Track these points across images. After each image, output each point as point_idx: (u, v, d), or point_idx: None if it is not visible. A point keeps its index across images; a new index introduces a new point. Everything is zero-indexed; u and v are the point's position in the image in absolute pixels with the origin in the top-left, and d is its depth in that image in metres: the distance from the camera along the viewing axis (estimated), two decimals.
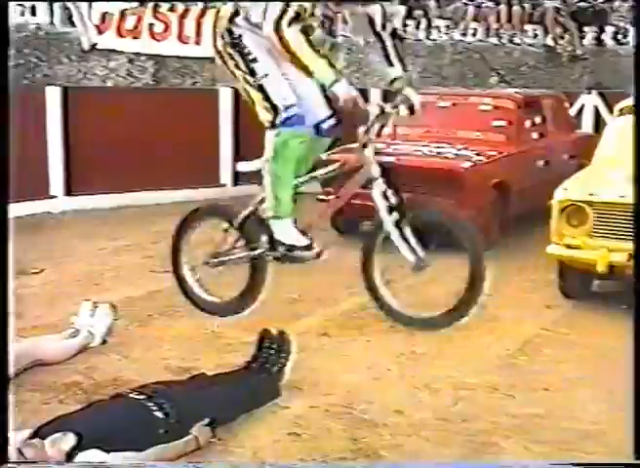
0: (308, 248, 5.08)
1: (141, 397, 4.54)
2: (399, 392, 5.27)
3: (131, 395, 4.59)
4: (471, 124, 9.38)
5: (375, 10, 12.55)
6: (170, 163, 10.15)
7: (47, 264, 8.17)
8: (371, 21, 5.06)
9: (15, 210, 9.52)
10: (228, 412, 4.77)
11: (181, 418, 4.48)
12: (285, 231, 5.04)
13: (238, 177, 10.84)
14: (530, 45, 12.80)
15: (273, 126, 4.91)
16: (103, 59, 11.42)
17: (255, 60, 4.97)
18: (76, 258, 8.42)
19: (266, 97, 4.91)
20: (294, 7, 4.67)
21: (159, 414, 4.44)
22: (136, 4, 11.39)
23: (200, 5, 11.90)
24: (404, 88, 5.08)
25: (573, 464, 4.26)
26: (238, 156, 10.56)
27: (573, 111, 11.38)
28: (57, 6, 11.47)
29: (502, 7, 13.05)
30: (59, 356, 5.65)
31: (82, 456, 4.11)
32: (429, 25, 13.05)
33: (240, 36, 4.92)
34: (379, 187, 4.83)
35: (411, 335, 6.33)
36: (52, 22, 11.51)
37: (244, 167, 5.27)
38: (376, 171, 4.83)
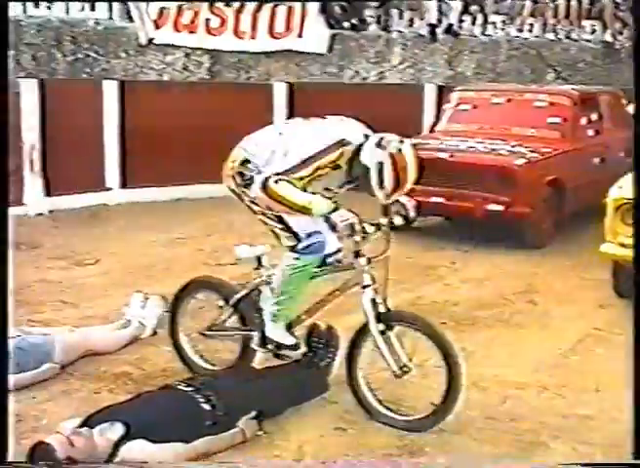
0: (295, 347, 5.12)
1: (189, 389, 4.56)
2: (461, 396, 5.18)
3: (179, 387, 4.61)
4: (526, 120, 9.26)
5: (427, 5, 12.60)
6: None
7: (101, 255, 8.23)
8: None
9: (72, 201, 9.80)
10: (275, 406, 4.77)
11: (228, 411, 4.49)
12: (275, 330, 5.10)
13: None
14: (587, 41, 12.58)
15: (294, 250, 4.92)
16: (160, 54, 11.38)
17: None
18: (130, 250, 8.47)
19: (287, 228, 4.92)
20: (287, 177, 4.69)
21: (206, 406, 4.45)
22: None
23: (256, 1, 11.85)
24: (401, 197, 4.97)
25: (576, 464, 4.20)
26: None
27: (631, 109, 11.19)
28: (116, 1, 11.51)
29: (560, 2, 12.80)
30: (110, 346, 5.71)
31: (129, 446, 4.13)
32: (485, 21, 12.82)
33: (251, 177, 4.89)
34: (368, 295, 4.79)
35: (460, 332, 6.28)
36: (110, 17, 11.49)
37: (244, 252, 5.29)
38: (367, 279, 4.80)
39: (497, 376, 5.46)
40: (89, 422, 4.25)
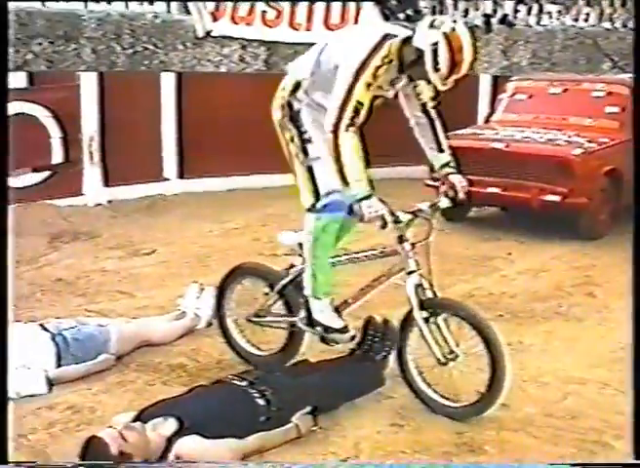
0: (343, 331, 4.91)
1: (244, 383, 4.38)
2: (507, 385, 4.95)
3: (233, 381, 4.44)
4: (583, 110, 8.94)
5: None
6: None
7: (158, 245, 8.10)
8: (423, 105, 4.80)
9: (130, 192, 9.68)
10: (331, 401, 4.58)
11: (283, 406, 4.31)
12: (322, 311, 4.89)
13: None
14: None
15: (312, 210, 4.73)
16: (217, 46, 11.23)
17: (309, 141, 4.72)
18: (186, 240, 8.32)
19: (312, 180, 4.72)
20: (354, 103, 4.45)
21: (261, 402, 4.28)
22: None
23: None
24: (451, 174, 4.80)
25: (572, 464, 3.99)
26: None
27: None
28: None
29: None
30: (166, 337, 5.55)
31: (182, 442, 3.96)
32: (540, 11, 12.51)
33: (299, 111, 4.71)
34: (413, 281, 4.58)
35: (518, 325, 6.06)
36: (168, 11, 11.38)
37: (287, 239, 5.10)
38: (412, 265, 4.59)
39: (556, 371, 5.22)
40: (142, 416, 4.10)
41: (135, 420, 4.09)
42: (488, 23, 12.34)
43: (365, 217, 4.39)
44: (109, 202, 9.42)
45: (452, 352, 4.52)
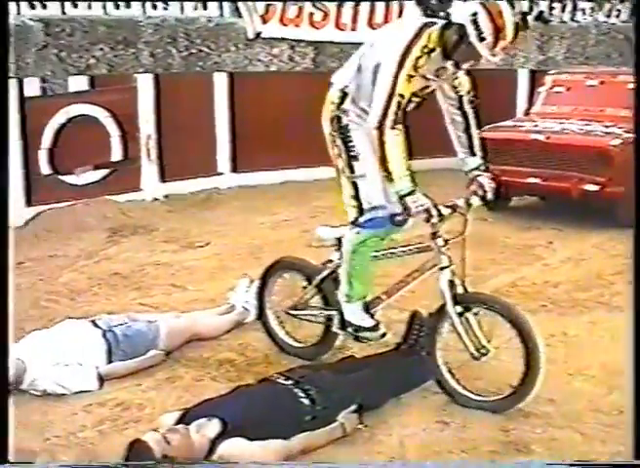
0: (374, 329, 4.60)
1: (288, 382, 4.01)
2: (551, 378, 4.45)
3: (278, 380, 4.07)
4: (620, 101, 8.41)
5: None
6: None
7: (212, 238, 7.75)
8: (460, 98, 4.49)
9: (186, 186, 9.38)
10: (377, 398, 4.20)
11: (328, 405, 3.94)
12: (353, 312, 4.59)
13: None
14: None
15: (355, 224, 4.43)
16: (267, 47, 10.91)
17: (355, 158, 4.39)
18: (238, 232, 7.95)
19: (356, 196, 4.41)
20: (397, 97, 4.10)
21: (305, 401, 3.91)
22: None
23: None
24: (480, 176, 4.52)
25: (572, 464, 3.63)
26: None
27: None
28: None
29: None
30: (214, 331, 5.20)
31: (227, 444, 3.61)
32: (574, 8, 12.22)
33: (347, 126, 4.38)
34: (446, 276, 4.29)
35: (561, 316, 5.63)
36: (221, 14, 11.09)
37: (325, 233, 4.78)
38: (445, 260, 4.29)
39: (601, 364, 4.77)
40: (186, 417, 3.75)
41: (179, 420, 3.75)
42: (524, 20, 11.98)
43: (411, 212, 4.13)
44: (166, 196, 9.12)
45: (483, 346, 4.22)
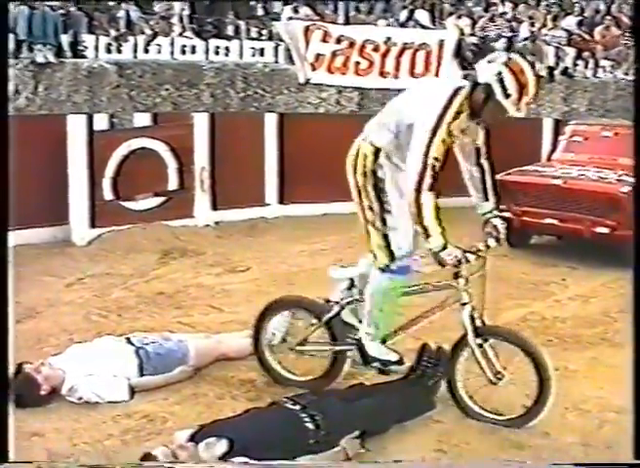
0: (400, 362, 4.47)
1: (296, 407, 3.86)
2: (550, 412, 4.27)
3: (286, 404, 3.91)
4: (631, 152, 8.21)
5: (547, 50, 11.84)
6: None
7: (253, 263, 7.61)
8: (477, 150, 4.34)
9: (235, 215, 9.29)
10: (381, 424, 4.03)
11: (332, 430, 3.77)
12: (377, 349, 4.44)
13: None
14: None
15: (385, 270, 4.27)
16: (316, 90, 10.90)
17: (389, 212, 4.24)
18: (278, 259, 7.80)
19: (387, 246, 4.25)
20: (432, 161, 3.99)
21: (310, 426, 3.75)
22: (344, 45, 10.81)
23: (399, 46, 11.18)
24: (493, 219, 4.43)
25: (574, 465, 3.52)
26: None
27: None
28: (281, 48, 11.08)
29: None
30: (241, 352, 5.03)
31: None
32: (596, 65, 12.41)
33: (383, 181, 4.23)
34: (467, 311, 4.23)
35: (565, 350, 5.39)
36: (276, 61, 11.11)
37: (337, 273, 4.63)
38: (465, 297, 4.23)
39: (597, 399, 4.55)
40: (197, 436, 3.61)
41: (192, 437, 3.62)
42: (551, 74, 12.18)
43: (446, 264, 4.06)
44: (217, 223, 9.03)
45: (499, 372, 4.20)
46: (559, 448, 3.94)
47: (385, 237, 4.23)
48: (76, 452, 3.87)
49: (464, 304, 4.22)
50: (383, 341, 4.41)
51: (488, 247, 4.31)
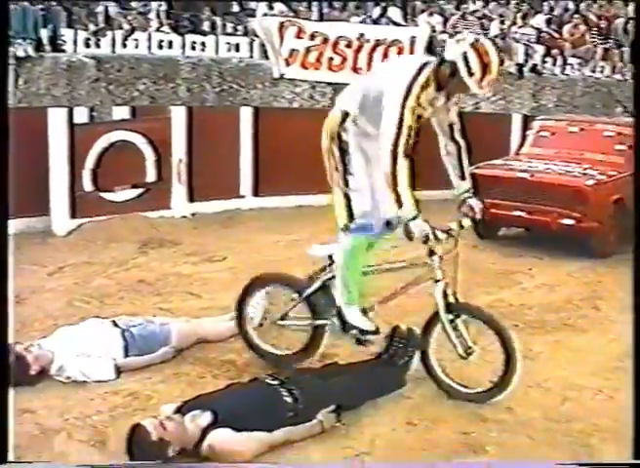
0: (376, 332, 4.72)
1: (275, 382, 4.10)
2: (513, 389, 4.56)
3: (266, 380, 4.16)
4: (596, 147, 8.54)
5: (516, 48, 12.11)
6: None
7: (229, 253, 7.80)
8: (450, 126, 4.60)
9: (211, 207, 9.49)
10: (354, 400, 4.27)
11: (309, 404, 4.02)
12: (355, 316, 4.68)
13: None
14: None
15: (347, 229, 4.51)
16: (290, 85, 11.15)
17: (351, 174, 4.49)
18: (254, 249, 8.00)
19: (348, 205, 4.50)
20: (406, 129, 4.23)
21: (289, 399, 3.99)
22: (318, 41, 11.05)
23: (372, 42, 11.43)
24: (469, 199, 4.65)
25: (577, 464, 3.67)
26: None
27: None
28: (256, 43, 11.30)
29: (626, 49, 12.48)
30: (219, 336, 5.26)
31: (215, 433, 3.70)
32: (564, 63, 12.69)
33: (347, 143, 4.49)
34: (440, 288, 4.45)
35: (530, 335, 5.65)
36: (251, 56, 11.34)
37: (317, 251, 4.89)
38: (439, 274, 4.45)
39: (558, 378, 4.83)
40: (183, 408, 3.86)
41: (177, 410, 3.86)
42: (520, 71, 12.40)
43: (415, 235, 4.26)
44: (193, 215, 9.22)
45: (469, 348, 4.41)
46: (522, 421, 4.20)
47: (347, 197, 4.46)
48: (67, 427, 4.07)
49: (437, 281, 4.42)
50: (364, 312, 4.64)
51: (462, 227, 4.51)
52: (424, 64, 4.31)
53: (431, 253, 4.41)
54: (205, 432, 3.69)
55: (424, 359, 4.57)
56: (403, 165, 4.20)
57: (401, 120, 4.21)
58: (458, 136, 4.62)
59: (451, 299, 4.43)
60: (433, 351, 4.55)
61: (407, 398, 4.45)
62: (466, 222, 4.58)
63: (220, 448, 3.67)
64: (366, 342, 4.71)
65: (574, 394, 4.59)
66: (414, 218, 4.22)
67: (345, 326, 4.68)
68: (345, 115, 4.48)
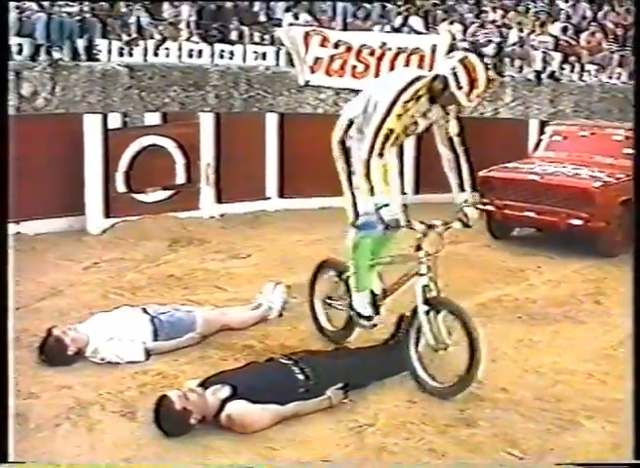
0: (368, 318, 5.14)
1: (289, 362, 4.49)
2: (510, 373, 4.95)
3: (281, 360, 4.55)
4: (606, 150, 8.79)
5: (534, 55, 12.33)
6: None
7: (254, 251, 8.21)
8: (450, 140, 4.95)
9: (238, 208, 9.90)
10: (361, 380, 4.64)
11: (319, 381, 4.40)
12: (359, 301, 5.14)
13: (418, 188, 10.61)
14: None
15: (354, 225, 5.00)
16: (315, 92, 11.50)
17: (353, 173, 4.93)
18: (278, 247, 8.40)
19: (354, 203, 4.95)
20: (385, 131, 4.63)
21: (300, 377, 4.38)
22: (342, 50, 11.39)
23: (394, 50, 11.74)
24: (466, 207, 4.93)
25: (575, 464, 3.85)
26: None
27: None
28: (282, 52, 11.69)
29: None
30: (242, 323, 5.69)
31: (233, 404, 4.10)
32: (582, 69, 12.82)
33: (349, 149, 4.95)
34: (422, 282, 4.73)
35: (532, 326, 5.98)
36: (277, 64, 11.72)
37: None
38: (423, 269, 4.74)
39: (554, 364, 5.16)
40: (206, 383, 4.26)
41: (200, 384, 4.26)
42: (538, 78, 12.52)
43: (385, 220, 4.61)
44: (221, 215, 9.63)
45: (443, 342, 4.59)
46: (514, 400, 4.53)
47: (352, 195, 4.90)
48: (101, 400, 4.49)
49: (421, 275, 4.72)
50: (374, 299, 5.05)
51: (448, 227, 4.80)
52: (418, 77, 4.72)
53: (418, 248, 4.73)
54: (224, 403, 4.09)
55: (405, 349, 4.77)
56: (375, 162, 4.58)
57: (382, 123, 4.60)
58: (458, 147, 4.94)
59: (433, 294, 4.65)
60: (413, 343, 4.77)
61: (410, 380, 4.79)
62: (456, 225, 4.86)
63: (237, 417, 4.06)
64: (364, 326, 5.12)
65: (566, 377, 4.92)
66: (385, 205, 4.58)
67: (352, 307, 5.13)
68: (351, 123, 4.90)
